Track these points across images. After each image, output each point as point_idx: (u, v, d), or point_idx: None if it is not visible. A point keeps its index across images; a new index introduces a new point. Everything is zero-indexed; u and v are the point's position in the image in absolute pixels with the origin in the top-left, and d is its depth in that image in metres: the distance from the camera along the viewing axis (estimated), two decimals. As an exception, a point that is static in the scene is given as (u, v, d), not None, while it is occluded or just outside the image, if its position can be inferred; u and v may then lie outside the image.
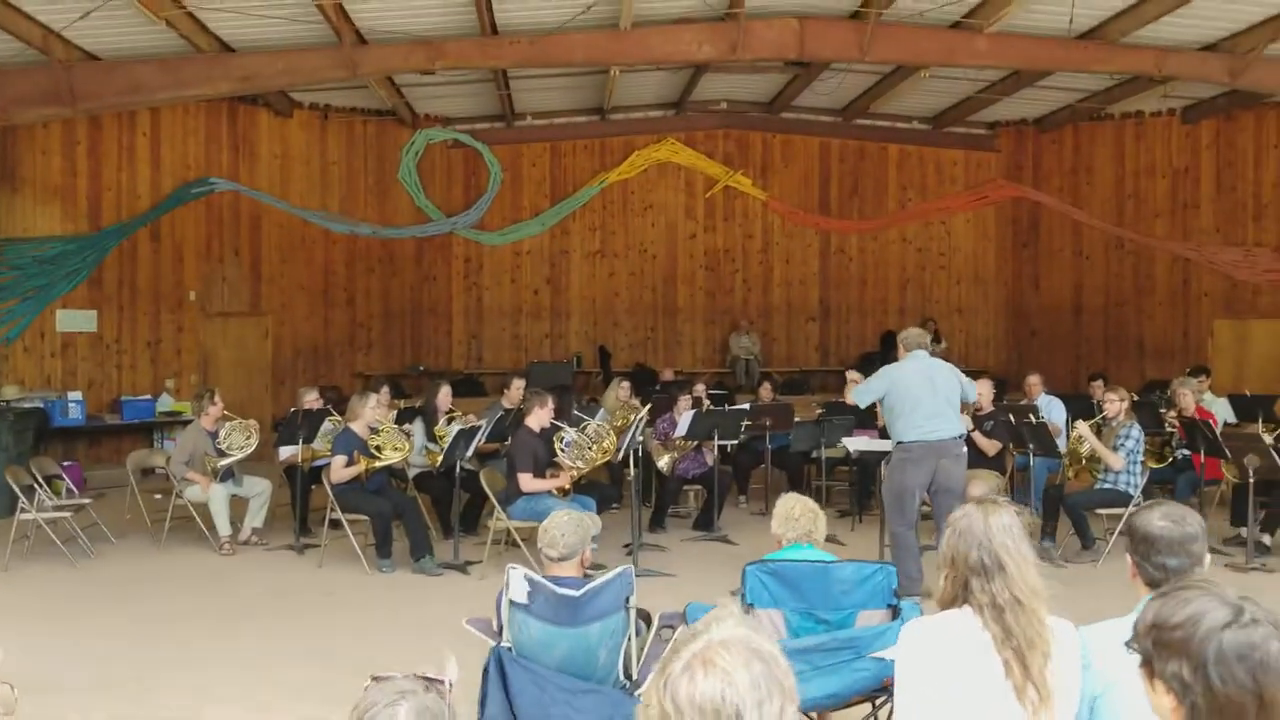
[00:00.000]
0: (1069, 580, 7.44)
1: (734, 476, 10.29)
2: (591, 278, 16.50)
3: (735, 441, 9.43)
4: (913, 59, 12.25)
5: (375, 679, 1.61)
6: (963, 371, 12.12)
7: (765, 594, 3.92)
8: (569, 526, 3.97)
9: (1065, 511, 8.11)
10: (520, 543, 7.46)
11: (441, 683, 1.61)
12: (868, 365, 14.84)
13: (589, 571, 4.09)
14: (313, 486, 8.89)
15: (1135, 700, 2.28)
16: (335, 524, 8.12)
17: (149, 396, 12.87)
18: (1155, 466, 9.11)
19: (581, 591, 3.76)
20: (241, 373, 13.93)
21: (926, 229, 16.94)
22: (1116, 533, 7.79)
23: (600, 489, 8.54)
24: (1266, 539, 8.29)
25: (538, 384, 13.61)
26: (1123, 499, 7.96)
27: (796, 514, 4.22)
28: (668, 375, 13.66)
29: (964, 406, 8.26)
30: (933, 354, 14.70)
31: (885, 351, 16.34)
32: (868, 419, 9.43)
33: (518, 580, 3.75)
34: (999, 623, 2.53)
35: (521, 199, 16.24)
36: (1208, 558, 2.72)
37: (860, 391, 7.35)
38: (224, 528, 8.52)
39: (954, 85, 14.69)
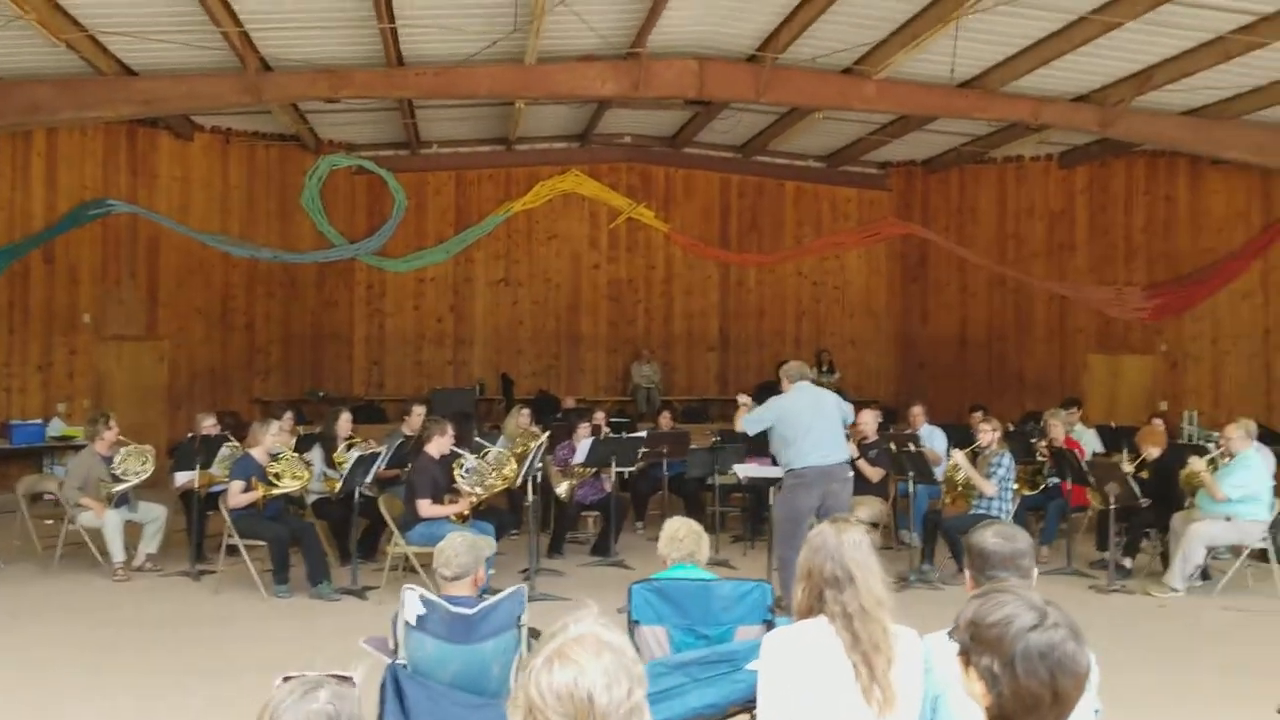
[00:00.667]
0: (945, 601, 7.89)
1: (632, 503, 10.56)
2: (496, 306, 16.67)
3: (632, 469, 9.68)
4: (806, 101, 12.78)
5: (286, 679, 1.80)
6: (855, 401, 12.67)
7: (650, 611, 4.18)
8: (462, 547, 4.17)
9: (942, 535, 8.56)
10: (419, 568, 7.58)
11: (349, 679, 1.81)
12: (764, 394, 15.31)
13: (484, 593, 4.29)
14: (209, 512, 8.86)
15: (971, 700, 2.60)
16: (233, 550, 8.12)
17: (39, 420, 12.60)
18: (1028, 494, 9.64)
19: (475, 610, 3.96)
20: (136, 397, 13.71)
21: (822, 263, 17.53)
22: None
23: (499, 515, 8.70)
24: (1128, 562, 8.84)
25: (440, 411, 13.71)
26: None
27: (681, 535, 4.49)
28: (569, 403, 13.90)
29: (852, 432, 8.72)
30: (822, 384, 15.28)
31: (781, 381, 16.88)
32: (764, 445, 9.77)
33: (413, 599, 3.93)
34: (849, 630, 2.83)
35: (426, 226, 16.36)
36: (1035, 571, 3.04)
37: (750, 420, 7.68)
38: (118, 554, 8.44)
39: (847, 127, 15.32)
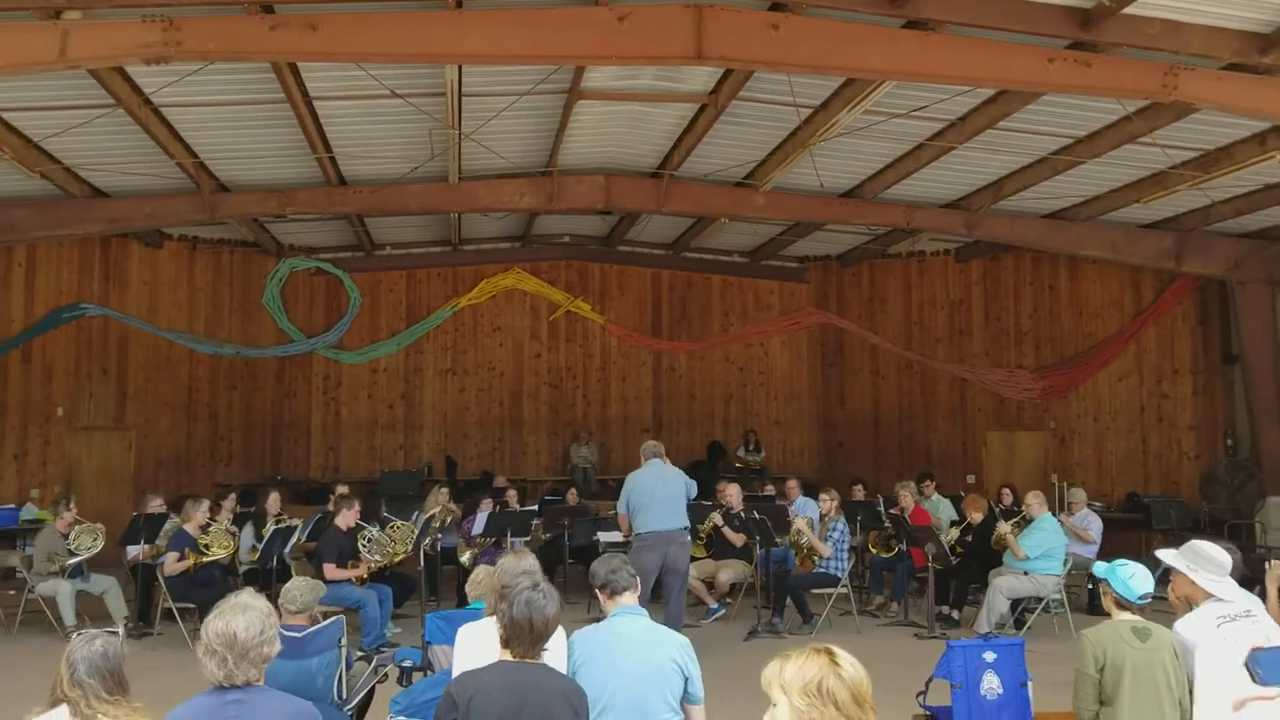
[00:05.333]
0: (784, 647, 9.11)
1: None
2: (444, 393, 18.01)
3: (525, 538, 10.93)
4: (703, 211, 14.35)
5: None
6: (773, 475, 14.02)
7: (439, 634, 5.46)
8: (304, 588, 5.48)
9: (788, 592, 9.81)
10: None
11: (115, 632, 3.14)
12: (695, 472, 16.63)
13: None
14: (156, 581, 10.11)
15: (599, 674, 3.94)
16: (171, 613, 9.36)
17: (13, 505, 13.85)
18: (884, 555, 10.95)
19: (303, 634, 5.25)
20: (105, 483, 15.00)
21: (747, 350, 18.94)
22: (827, 608, 9.53)
23: (401, 579, 9.94)
24: (955, 614, 10.08)
25: (390, 491, 15.04)
26: (832, 580, 9.72)
27: (479, 579, 5.77)
28: (500, 481, 15.15)
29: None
30: (750, 463, 16.54)
31: (712, 460, 18.19)
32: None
33: (258, 627, 5.22)
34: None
35: (379, 321, 17.80)
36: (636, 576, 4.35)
37: (620, 505, 8.97)
38: (69, 618, 9.65)
39: (762, 227, 16.85)
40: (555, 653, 4.18)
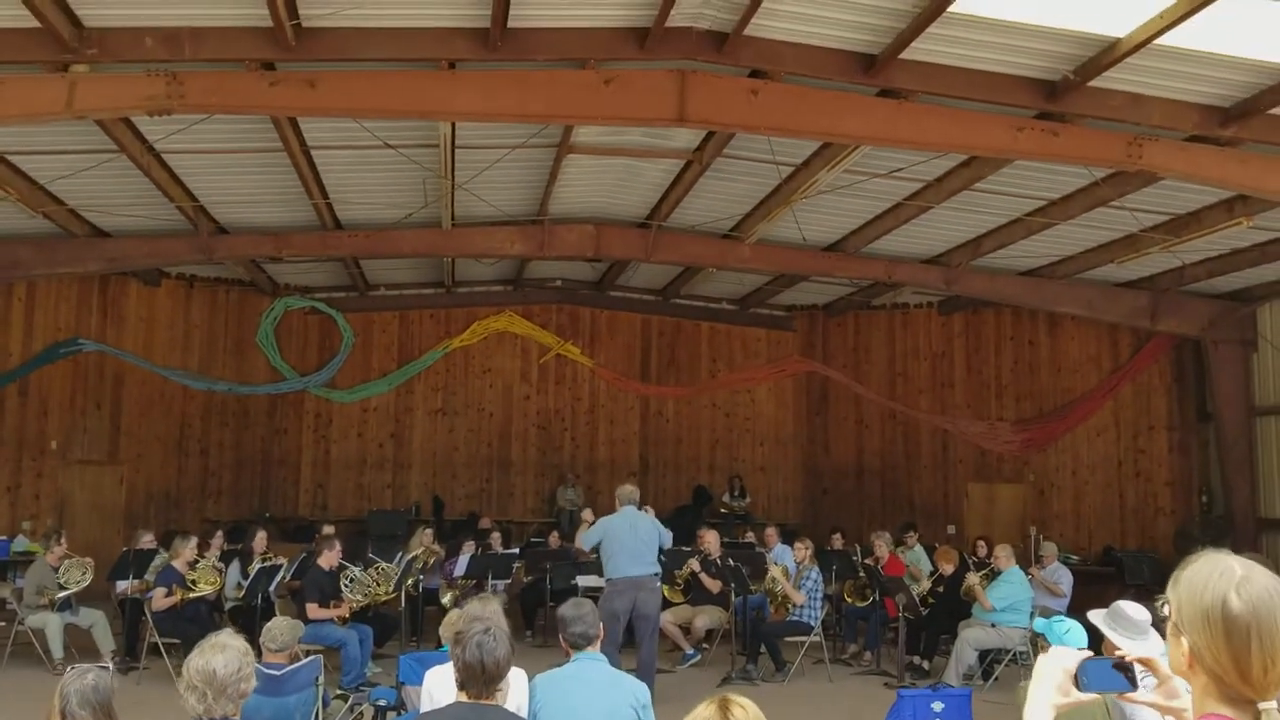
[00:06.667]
0: (756, 694, 9.32)
1: (522, 613, 11.98)
2: (433, 433, 18.25)
3: (507, 580, 11.15)
4: (691, 261, 14.69)
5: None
6: (764, 522, 14.26)
7: (413, 674, 5.70)
8: (285, 628, 5.72)
9: (761, 639, 10.02)
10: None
11: (106, 667, 3.39)
12: (680, 516, 16.94)
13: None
14: (143, 616, 10.30)
15: (559, 718, 4.18)
16: (157, 647, 9.55)
17: (5, 537, 14.04)
18: (859, 604, 11.18)
19: (282, 672, 5.48)
20: (96, 516, 15.19)
21: (734, 396, 19.22)
22: (800, 656, 9.75)
23: (384, 619, 10.15)
24: (926, 664, 10.29)
25: (376, 530, 15.24)
26: (805, 628, 9.94)
27: (453, 621, 6.01)
28: (485, 523, 15.34)
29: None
30: (736, 509, 16.79)
31: (697, 504, 18.43)
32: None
33: (238, 664, 5.46)
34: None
35: (371, 361, 18.08)
36: (600, 625, 4.60)
37: (586, 537, 9.23)
38: (57, 651, 9.85)
39: (749, 277, 17.19)
40: (517, 695, 4.43)
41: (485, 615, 3.85)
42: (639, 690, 4.50)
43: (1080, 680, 2.13)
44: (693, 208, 13.16)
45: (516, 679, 4.47)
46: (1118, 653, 2.19)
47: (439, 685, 4.45)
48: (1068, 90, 8.70)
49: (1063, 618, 4.70)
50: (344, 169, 11.57)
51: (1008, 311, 17.15)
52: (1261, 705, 1.88)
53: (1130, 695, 2.13)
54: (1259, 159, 9.58)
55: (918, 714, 5.45)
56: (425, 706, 4.38)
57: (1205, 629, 1.93)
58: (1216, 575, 1.96)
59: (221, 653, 3.21)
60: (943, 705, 5.49)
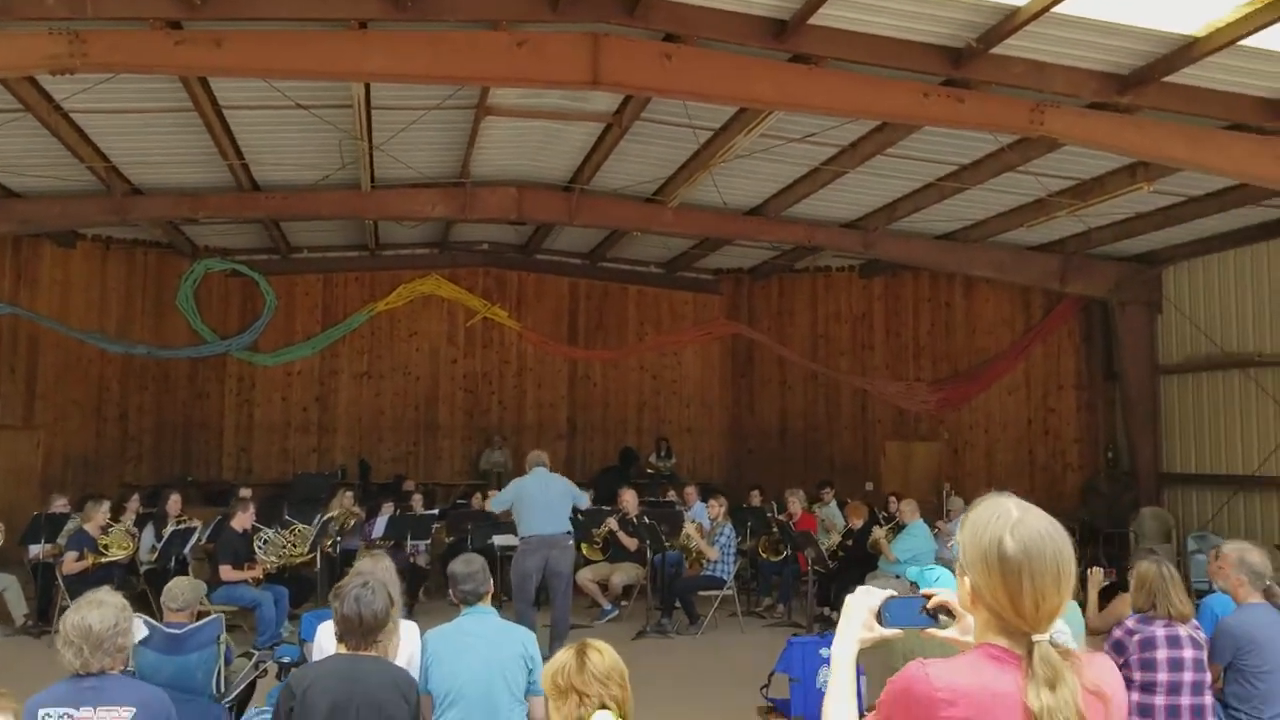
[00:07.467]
0: (669, 648, 9.58)
1: (443, 573, 12.09)
2: (359, 397, 18.19)
3: (427, 541, 11.25)
4: (614, 224, 14.77)
5: None
6: (688, 482, 14.45)
7: (315, 631, 5.78)
8: (185, 586, 5.77)
9: (675, 595, 10.26)
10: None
11: None
12: (606, 477, 17.10)
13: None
14: (56, 580, 10.23)
15: (449, 669, 4.31)
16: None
17: (-85, 503, 13.81)
18: (773, 559, 11.46)
19: (183, 630, 5.55)
20: (11, 481, 14.94)
21: (661, 359, 19.40)
22: (712, 609, 10.01)
23: (300, 580, 10.20)
24: (835, 615, 10.59)
25: (302, 494, 15.16)
26: (718, 583, 10.19)
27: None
28: (408, 485, 15.37)
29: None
30: (663, 469, 16.95)
31: (624, 466, 18.62)
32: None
33: (138, 624, 5.50)
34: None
35: (295, 324, 17.93)
36: (490, 581, 4.74)
37: (497, 501, 9.36)
38: (-34, 615, 9.79)
39: (674, 241, 17.31)
40: (409, 648, 4.56)
41: (374, 571, 3.96)
42: (527, 639, 4.65)
43: (883, 616, 2.31)
44: (615, 171, 13.22)
45: (409, 633, 4.60)
46: (924, 592, 2.37)
47: (328, 638, 4.55)
48: (972, 57, 8.88)
49: (934, 566, 4.94)
50: (258, 130, 11.44)
51: (925, 275, 17.50)
52: (1035, 637, 2.08)
53: (931, 630, 2.32)
54: (1155, 125, 9.87)
55: (806, 659, 5.68)
56: (315, 659, 4.48)
57: (984, 568, 2.12)
58: (994, 518, 2.14)
59: (98, 609, 3.29)
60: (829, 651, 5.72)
